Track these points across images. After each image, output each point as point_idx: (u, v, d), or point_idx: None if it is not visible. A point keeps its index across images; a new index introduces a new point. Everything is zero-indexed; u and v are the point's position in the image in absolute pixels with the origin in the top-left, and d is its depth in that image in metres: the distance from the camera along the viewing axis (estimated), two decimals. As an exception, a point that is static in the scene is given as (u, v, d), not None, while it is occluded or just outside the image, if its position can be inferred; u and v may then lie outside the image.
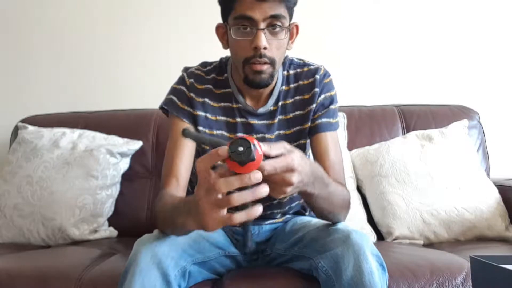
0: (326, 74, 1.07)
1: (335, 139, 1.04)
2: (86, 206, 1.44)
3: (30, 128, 1.64)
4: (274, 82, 1.03)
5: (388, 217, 1.43)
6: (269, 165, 0.58)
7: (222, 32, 1.00)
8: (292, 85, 1.06)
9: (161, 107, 1.05)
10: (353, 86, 1.90)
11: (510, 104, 1.93)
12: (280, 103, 1.05)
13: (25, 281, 1.03)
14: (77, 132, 1.61)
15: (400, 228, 1.40)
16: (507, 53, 1.93)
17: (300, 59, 1.11)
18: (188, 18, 1.93)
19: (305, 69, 1.07)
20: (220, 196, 0.57)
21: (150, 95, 1.85)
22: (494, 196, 1.44)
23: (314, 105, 1.04)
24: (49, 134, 1.59)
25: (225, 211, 0.58)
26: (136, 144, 1.62)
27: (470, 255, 0.64)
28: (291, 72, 1.07)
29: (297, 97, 1.05)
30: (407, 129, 1.67)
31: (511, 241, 1.37)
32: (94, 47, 1.97)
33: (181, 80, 1.06)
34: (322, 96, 1.04)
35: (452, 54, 1.94)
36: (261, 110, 1.04)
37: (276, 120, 1.05)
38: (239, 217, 0.56)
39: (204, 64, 1.09)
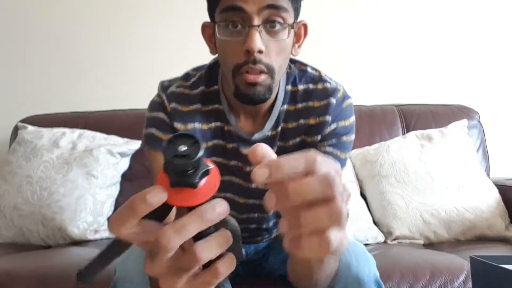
0: (345, 97, 0.83)
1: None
2: (86, 206, 1.44)
3: (30, 128, 1.64)
4: (273, 98, 0.81)
5: (388, 217, 1.43)
6: (279, 163, 0.32)
7: (209, 33, 0.80)
8: (299, 105, 0.83)
9: (144, 147, 0.85)
10: (353, 86, 1.89)
11: (510, 104, 1.93)
12: (280, 127, 0.83)
13: (25, 282, 1.03)
14: (77, 132, 1.61)
15: (400, 228, 1.40)
16: (507, 53, 1.93)
17: (315, 70, 0.86)
18: (189, 18, 1.93)
19: (319, 86, 0.82)
20: (172, 256, 0.33)
21: (150, 95, 1.84)
22: (494, 196, 1.44)
23: (320, 137, 0.81)
24: (49, 134, 1.59)
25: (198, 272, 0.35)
26: (136, 144, 1.62)
27: (470, 255, 0.64)
28: (301, 87, 0.83)
29: (302, 121, 0.82)
30: (407, 129, 1.67)
31: (511, 241, 1.37)
32: (94, 47, 1.97)
33: (157, 106, 0.83)
34: (334, 125, 0.81)
35: (452, 54, 1.94)
36: (257, 136, 0.83)
37: (274, 150, 0.83)
38: (227, 267, 0.34)
39: (187, 77, 0.85)
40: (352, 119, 0.83)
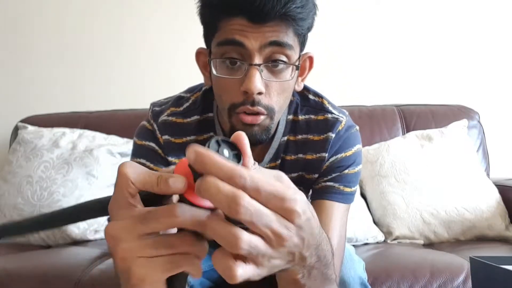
0: (348, 128, 0.77)
1: (344, 215, 0.75)
2: (86, 206, 1.44)
3: (30, 128, 1.64)
4: (273, 129, 0.73)
5: (388, 217, 1.43)
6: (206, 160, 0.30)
7: (204, 60, 0.72)
8: (299, 136, 0.77)
9: None
10: (353, 86, 1.90)
11: (510, 104, 1.93)
12: (280, 158, 0.78)
13: (25, 281, 1.03)
14: (77, 132, 1.61)
15: (400, 228, 1.40)
16: (507, 53, 1.93)
17: (319, 97, 0.79)
18: (188, 18, 1.92)
19: (320, 117, 0.77)
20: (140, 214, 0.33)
21: (150, 95, 1.85)
22: (494, 196, 1.44)
23: (317, 174, 0.77)
24: (49, 134, 1.59)
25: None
26: (136, 144, 1.62)
27: (470, 256, 0.64)
28: (302, 117, 0.77)
29: (300, 155, 0.77)
30: (407, 129, 1.67)
31: (511, 241, 1.37)
32: (94, 47, 1.97)
33: (149, 135, 0.77)
34: (333, 159, 0.76)
35: (452, 54, 1.94)
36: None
37: None
38: (197, 247, 0.34)
39: (179, 102, 0.78)
40: (356, 148, 0.77)
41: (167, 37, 1.95)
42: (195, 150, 0.30)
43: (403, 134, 1.65)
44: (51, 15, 1.97)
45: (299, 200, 0.33)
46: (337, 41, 1.93)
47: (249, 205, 0.30)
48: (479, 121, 1.71)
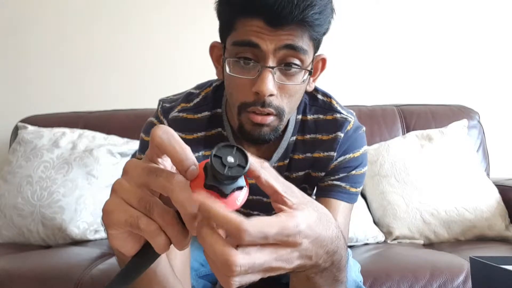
0: (356, 128, 0.78)
1: (348, 215, 0.77)
2: (86, 206, 1.44)
3: (30, 128, 1.64)
4: (282, 128, 0.73)
5: (388, 217, 1.43)
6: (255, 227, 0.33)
7: (217, 54, 0.73)
8: (307, 136, 0.78)
9: None
10: (353, 86, 1.90)
11: (510, 104, 1.93)
12: (288, 158, 0.78)
13: (25, 282, 1.03)
14: (77, 132, 1.61)
15: (400, 228, 1.40)
16: (507, 53, 1.93)
17: (327, 97, 0.80)
18: (188, 18, 1.93)
19: (329, 117, 0.78)
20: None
21: (150, 95, 1.85)
22: (494, 196, 1.44)
23: (324, 173, 0.78)
24: (49, 134, 1.59)
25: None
26: (136, 144, 1.62)
27: (470, 256, 0.64)
28: (311, 117, 0.78)
29: (309, 154, 0.78)
30: (407, 129, 1.67)
31: (511, 241, 1.37)
32: (94, 47, 1.97)
33: None
34: (341, 159, 0.77)
35: (452, 54, 1.94)
36: None
37: None
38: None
39: (189, 97, 0.78)
40: (363, 149, 0.79)
41: (167, 37, 1.95)
42: (201, 200, 0.33)
43: (403, 134, 1.65)
44: (51, 15, 1.97)
45: (302, 228, 0.36)
46: (337, 40, 1.93)
47: (242, 266, 0.33)
48: (479, 121, 1.71)
